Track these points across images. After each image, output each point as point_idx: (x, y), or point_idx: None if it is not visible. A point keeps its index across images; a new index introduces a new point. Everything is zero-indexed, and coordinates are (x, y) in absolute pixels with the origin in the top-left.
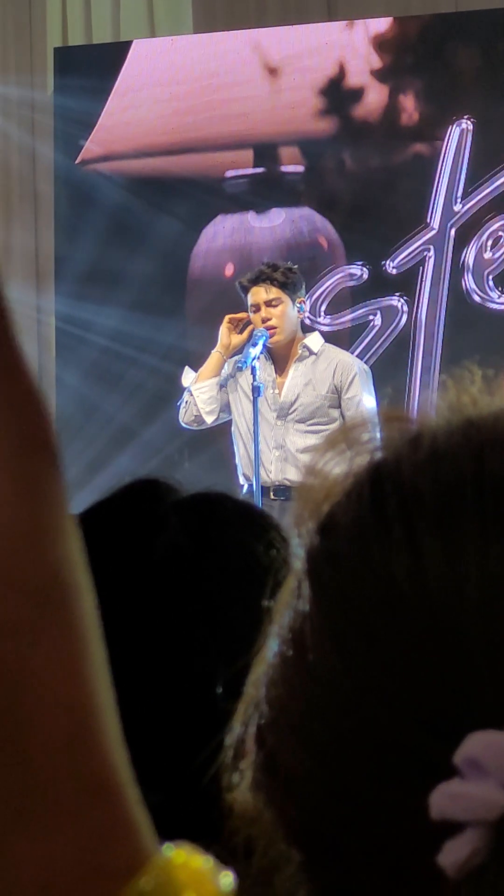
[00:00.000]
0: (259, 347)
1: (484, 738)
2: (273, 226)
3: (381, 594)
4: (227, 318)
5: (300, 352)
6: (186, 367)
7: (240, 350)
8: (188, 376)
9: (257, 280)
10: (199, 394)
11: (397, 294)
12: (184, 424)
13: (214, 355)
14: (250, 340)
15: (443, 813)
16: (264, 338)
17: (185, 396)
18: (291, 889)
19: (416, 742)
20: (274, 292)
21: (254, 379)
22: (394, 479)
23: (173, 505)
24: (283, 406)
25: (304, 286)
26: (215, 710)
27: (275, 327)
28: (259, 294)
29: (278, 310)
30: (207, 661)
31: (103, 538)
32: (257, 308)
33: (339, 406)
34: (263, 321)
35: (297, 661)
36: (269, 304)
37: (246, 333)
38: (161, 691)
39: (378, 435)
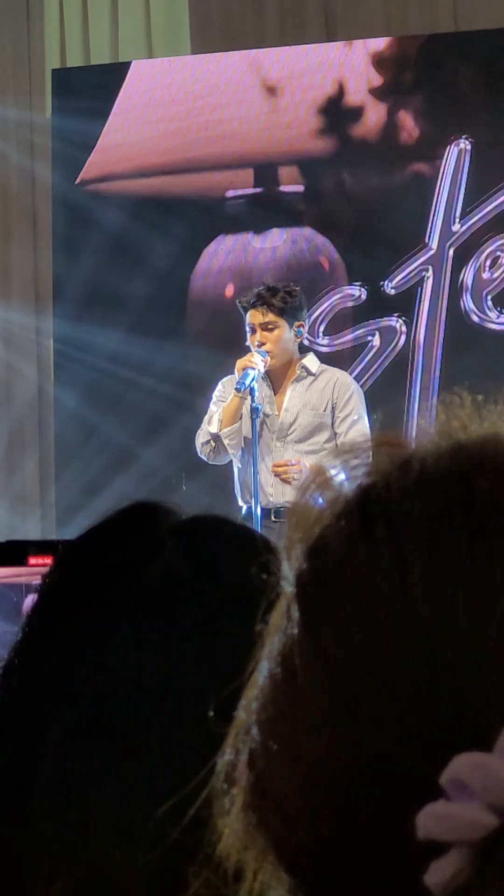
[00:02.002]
0: (256, 371)
1: (469, 759)
2: (274, 246)
3: (369, 617)
4: (238, 363)
5: (298, 372)
6: (209, 410)
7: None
8: (213, 421)
9: (255, 303)
10: (227, 441)
11: (396, 314)
12: (206, 461)
13: (234, 400)
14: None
15: (429, 833)
16: (262, 358)
17: (209, 439)
18: None
19: (403, 763)
20: (270, 316)
21: (252, 400)
22: (382, 502)
23: (170, 528)
24: (281, 427)
25: (305, 309)
26: (207, 734)
27: (269, 352)
28: (256, 316)
29: (274, 334)
30: (199, 685)
31: (100, 561)
32: (253, 330)
33: (333, 424)
34: (259, 344)
35: (287, 683)
36: (264, 327)
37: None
38: (153, 715)
39: (368, 459)
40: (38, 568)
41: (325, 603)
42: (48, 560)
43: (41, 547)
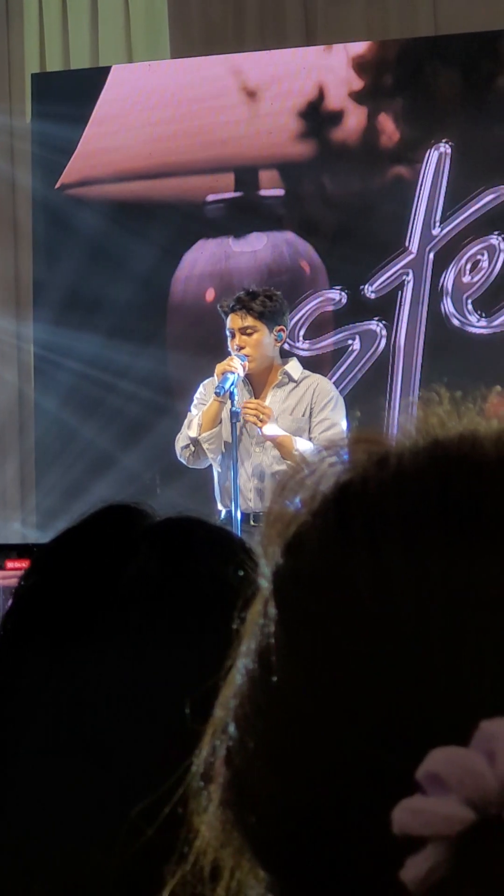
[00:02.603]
0: (235, 375)
1: (445, 754)
2: (254, 250)
3: (346, 613)
4: (218, 367)
5: (280, 378)
6: (189, 414)
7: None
8: (192, 425)
9: (234, 307)
10: (207, 445)
11: (376, 318)
12: (186, 464)
13: (214, 404)
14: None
15: (405, 828)
16: (241, 362)
17: (189, 443)
18: None
19: (379, 758)
20: (250, 320)
21: (232, 404)
22: (360, 499)
23: (145, 530)
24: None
25: (286, 313)
26: (184, 733)
27: (248, 355)
28: (235, 321)
29: (253, 338)
30: (176, 684)
31: (75, 564)
32: (233, 334)
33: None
34: (238, 348)
35: (263, 680)
36: (243, 331)
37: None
38: (129, 715)
39: (346, 456)
40: (15, 571)
41: (302, 600)
42: (25, 564)
43: (19, 551)
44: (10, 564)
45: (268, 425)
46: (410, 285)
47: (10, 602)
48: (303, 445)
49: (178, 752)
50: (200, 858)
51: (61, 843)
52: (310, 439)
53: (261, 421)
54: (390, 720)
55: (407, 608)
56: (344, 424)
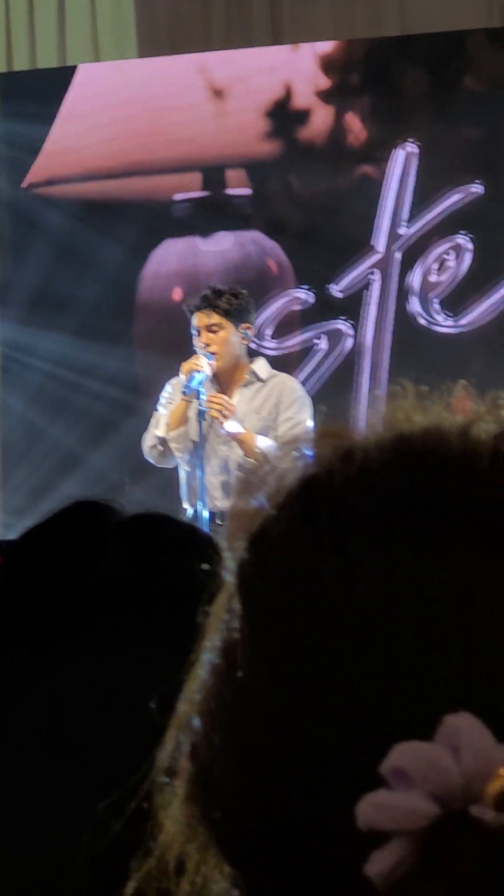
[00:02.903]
0: (202, 374)
1: (410, 748)
2: (221, 249)
3: (310, 607)
4: (184, 365)
5: (246, 377)
6: (156, 413)
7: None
8: (160, 424)
9: (200, 305)
10: (174, 444)
11: (343, 318)
12: (154, 464)
13: (181, 403)
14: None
15: (370, 823)
16: (208, 361)
17: (156, 443)
18: None
19: (343, 753)
20: (215, 318)
21: (199, 403)
22: (325, 493)
23: (114, 527)
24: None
25: (252, 312)
26: (150, 728)
27: (214, 353)
28: (201, 319)
29: (219, 336)
30: (143, 680)
31: (43, 561)
32: (199, 332)
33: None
34: (204, 346)
35: (228, 675)
36: (209, 329)
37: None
38: (96, 711)
39: (311, 451)
40: None
41: (267, 593)
42: None
43: None
44: None
45: (229, 422)
46: (377, 285)
47: None
48: (264, 443)
49: (146, 747)
50: (166, 853)
51: (29, 838)
52: (275, 438)
53: (223, 416)
54: (355, 715)
55: (372, 602)
56: (310, 424)
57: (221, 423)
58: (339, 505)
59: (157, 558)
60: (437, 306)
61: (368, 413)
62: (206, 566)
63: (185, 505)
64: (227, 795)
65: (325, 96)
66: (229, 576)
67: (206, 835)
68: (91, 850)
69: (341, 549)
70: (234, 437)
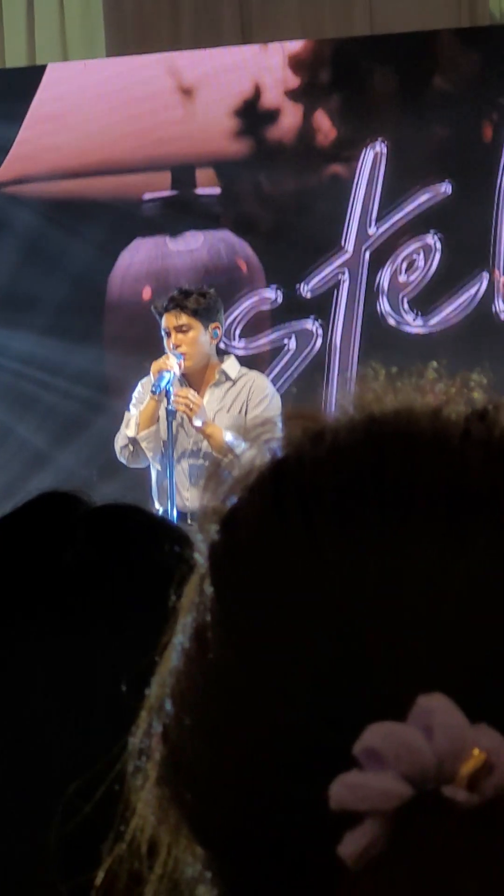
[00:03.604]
0: (171, 373)
1: (382, 728)
2: (191, 249)
3: (281, 587)
4: (154, 365)
5: (217, 377)
6: (127, 414)
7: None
8: (130, 425)
9: (168, 306)
10: (145, 444)
11: (312, 317)
12: (126, 464)
13: (151, 403)
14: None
15: (342, 803)
16: (177, 360)
17: (127, 443)
18: (196, 886)
19: (315, 734)
20: (184, 318)
21: (168, 403)
22: (294, 473)
23: (81, 516)
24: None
25: (221, 311)
26: (120, 710)
27: (184, 353)
28: (170, 320)
29: (188, 336)
30: (113, 664)
31: (11, 550)
32: (168, 333)
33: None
34: (174, 347)
35: (200, 657)
36: (179, 329)
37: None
38: (68, 696)
39: (280, 433)
40: None
41: (238, 575)
42: None
43: None
44: None
45: (196, 417)
46: (346, 284)
47: None
48: (232, 439)
49: (117, 730)
50: (137, 836)
51: (2, 820)
52: (244, 435)
53: (191, 411)
54: (327, 695)
55: (342, 583)
56: (278, 422)
57: (189, 418)
58: (308, 485)
59: (126, 546)
60: (406, 306)
61: (339, 396)
62: (176, 548)
63: (156, 505)
64: (199, 777)
65: (294, 95)
66: (200, 558)
67: (178, 817)
68: (61, 834)
69: (311, 529)
70: (202, 432)
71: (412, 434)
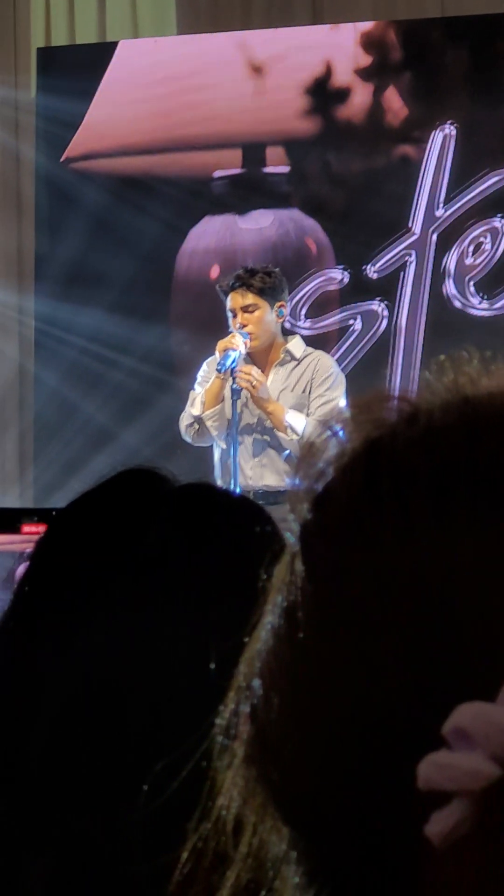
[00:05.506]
0: (237, 353)
1: (472, 709)
2: (260, 227)
3: (372, 567)
4: (220, 344)
5: (282, 356)
6: (192, 392)
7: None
8: (196, 403)
9: (234, 285)
10: (210, 423)
11: (378, 298)
12: (191, 442)
13: (216, 382)
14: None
15: (430, 783)
16: (243, 340)
17: (193, 421)
18: (282, 866)
19: (405, 714)
20: (250, 298)
21: (233, 382)
22: (388, 454)
23: (165, 495)
24: None
25: (286, 290)
26: (208, 690)
27: (251, 333)
28: (236, 299)
29: (255, 315)
30: (200, 642)
31: (95, 529)
32: (234, 313)
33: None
34: (241, 326)
35: (290, 636)
36: (245, 309)
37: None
38: (151, 673)
39: (376, 414)
40: (31, 535)
41: (330, 555)
42: (41, 528)
43: (40, 515)
44: (26, 528)
45: (259, 392)
46: (413, 266)
47: (26, 566)
48: (293, 417)
49: (203, 709)
50: (223, 814)
51: (86, 799)
52: (307, 415)
53: (253, 387)
54: (417, 675)
55: (435, 564)
56: (343, 402)
57: (252, 394)
58: (401, 466)
59: (212, 526)
60: (472, 289)
61: (431, 378)
62: (267, 528)
63: (219, 483)
64: (286, 757)
65: (364, 74)
66: (292, 537)
67: (265, 796)
68: (147, 811)
69: (404, 509)
70: (264, 409)
71: None
